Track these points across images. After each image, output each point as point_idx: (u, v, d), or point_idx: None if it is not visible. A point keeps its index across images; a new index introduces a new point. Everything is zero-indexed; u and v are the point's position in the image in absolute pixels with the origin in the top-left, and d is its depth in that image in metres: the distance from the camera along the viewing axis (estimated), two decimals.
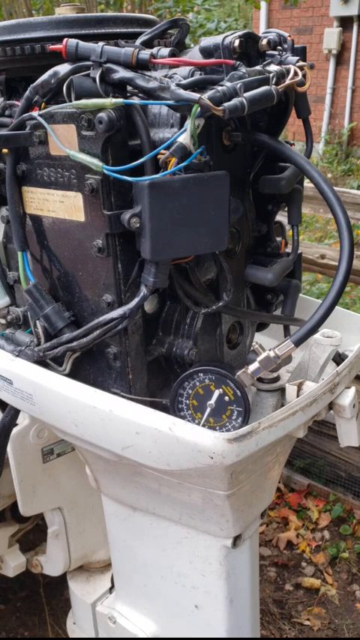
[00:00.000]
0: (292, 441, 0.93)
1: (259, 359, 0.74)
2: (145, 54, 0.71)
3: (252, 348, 0.95)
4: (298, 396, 0.85)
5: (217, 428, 0.79)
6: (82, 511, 1.36)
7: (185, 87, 0.68)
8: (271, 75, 0.73)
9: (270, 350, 0.75)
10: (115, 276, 0.76)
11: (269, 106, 0.73)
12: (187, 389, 0.80)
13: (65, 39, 0.72)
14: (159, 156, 0.70)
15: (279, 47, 0.81)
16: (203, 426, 0.79)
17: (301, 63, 0.79)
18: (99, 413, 0.77)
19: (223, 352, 0.91)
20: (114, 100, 0.68)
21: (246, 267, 0.89)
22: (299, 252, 0.93)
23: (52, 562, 1.42)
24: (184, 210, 0.71)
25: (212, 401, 0.79)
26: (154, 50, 0.77)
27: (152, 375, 0.84)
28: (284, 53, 0.81)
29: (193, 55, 0.78)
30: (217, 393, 0.78)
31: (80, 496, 1.33)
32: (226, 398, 0.78)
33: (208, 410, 0.79)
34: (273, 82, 0.72)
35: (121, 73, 0.70)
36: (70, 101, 0.71)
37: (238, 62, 0.72)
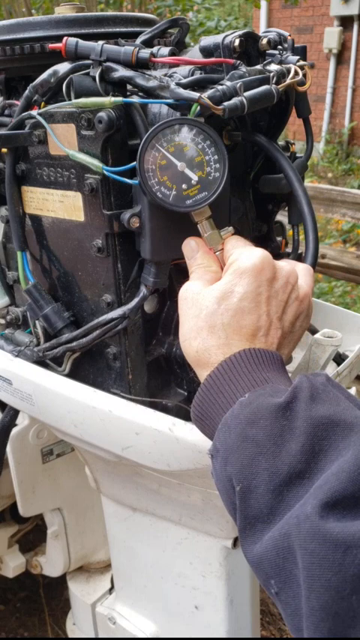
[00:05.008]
0: None
1: None
2: (145, 53, 0.70)
3: None
4: None
5: None
6: (81, 511, 1.35)
7: (185, 86, 0.68)
8: (272, 74, 0.72)
9: None
10: (114, 276, 0.76)
11: (269, 106, 0.73)
12: None
13: (65, 38, 0.72)
14: None
15: (279, 46, 0.81)
16: None
17: (301, 62, 0.78)
18: (99, 413, 0.77)
19: None
20: (113, 99, 0.68)
21: None
22: (299, 251, 0.92)
23: (51, 563, 1.42)
24: None
25: None
26: (154, 49, 0.77)
27: (152, 376, 0.84)
28: (284, 52, 0.80)
29: (193, 54, 0.78)
30: None
31: (80, 496, 1.33)
32: None
33: None
34: (273, 82, 0.72)
35: (121, 72, 0.69)
36: (70, 100, 0.71)
37: (238, 61, 0.72)
